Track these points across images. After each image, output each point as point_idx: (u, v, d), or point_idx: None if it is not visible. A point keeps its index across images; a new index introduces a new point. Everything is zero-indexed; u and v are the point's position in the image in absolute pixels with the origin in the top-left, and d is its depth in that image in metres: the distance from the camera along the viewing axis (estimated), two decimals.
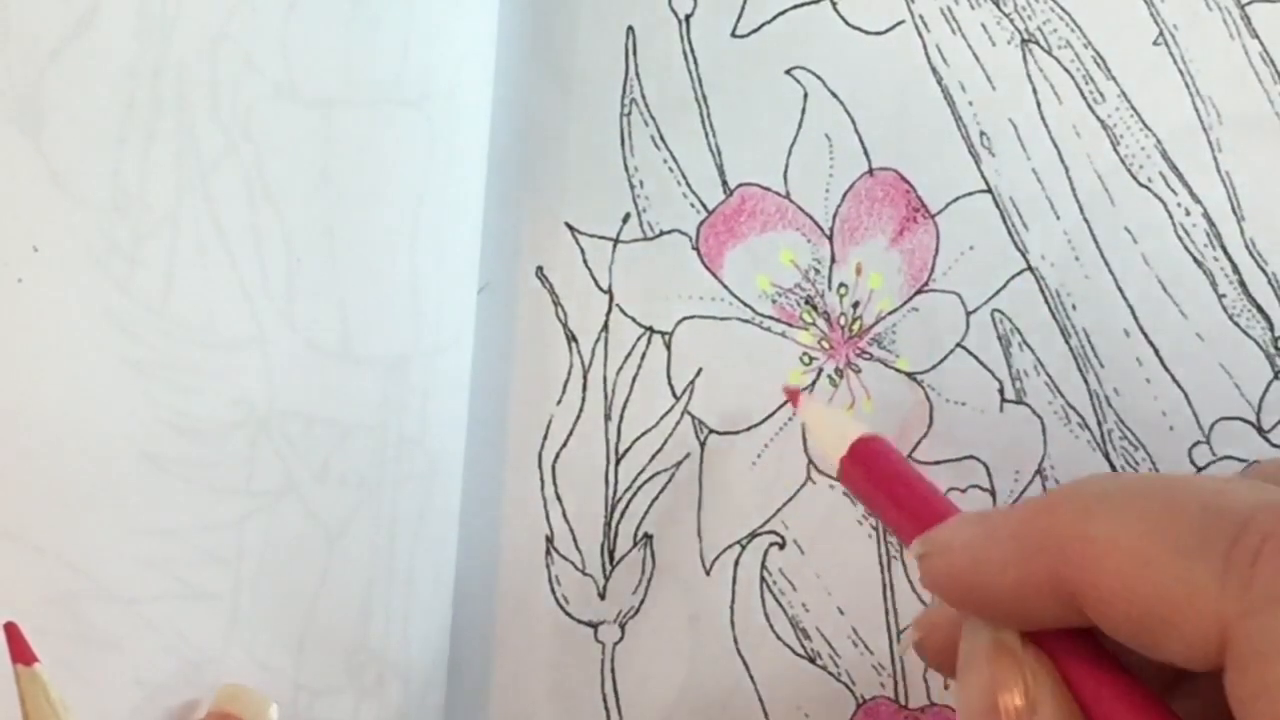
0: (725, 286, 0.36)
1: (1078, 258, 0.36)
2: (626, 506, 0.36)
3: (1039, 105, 0.35)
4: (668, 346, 0.36)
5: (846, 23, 0.35)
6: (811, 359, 0.36)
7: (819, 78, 0.35)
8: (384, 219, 0.33)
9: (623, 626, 0.37)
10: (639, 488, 0.36)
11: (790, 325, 0.36)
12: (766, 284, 0.36)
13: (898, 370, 0.36)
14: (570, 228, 0.36)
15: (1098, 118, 0.35)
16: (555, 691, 0.37)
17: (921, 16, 0.35)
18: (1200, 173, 0.35)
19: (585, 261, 0.36)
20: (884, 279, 0.36)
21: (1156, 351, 0.36)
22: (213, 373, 0.32)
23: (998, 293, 0.36)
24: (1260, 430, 0.35)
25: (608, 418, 0.36)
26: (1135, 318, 0.36)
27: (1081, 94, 0.35)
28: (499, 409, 0.36)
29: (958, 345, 0.36)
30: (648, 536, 0.36)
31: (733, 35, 0.35)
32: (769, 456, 0.36)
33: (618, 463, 0.36)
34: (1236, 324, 0.36)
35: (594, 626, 0.37)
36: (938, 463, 0.36)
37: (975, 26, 0.35)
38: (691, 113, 0.35)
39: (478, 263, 0.35)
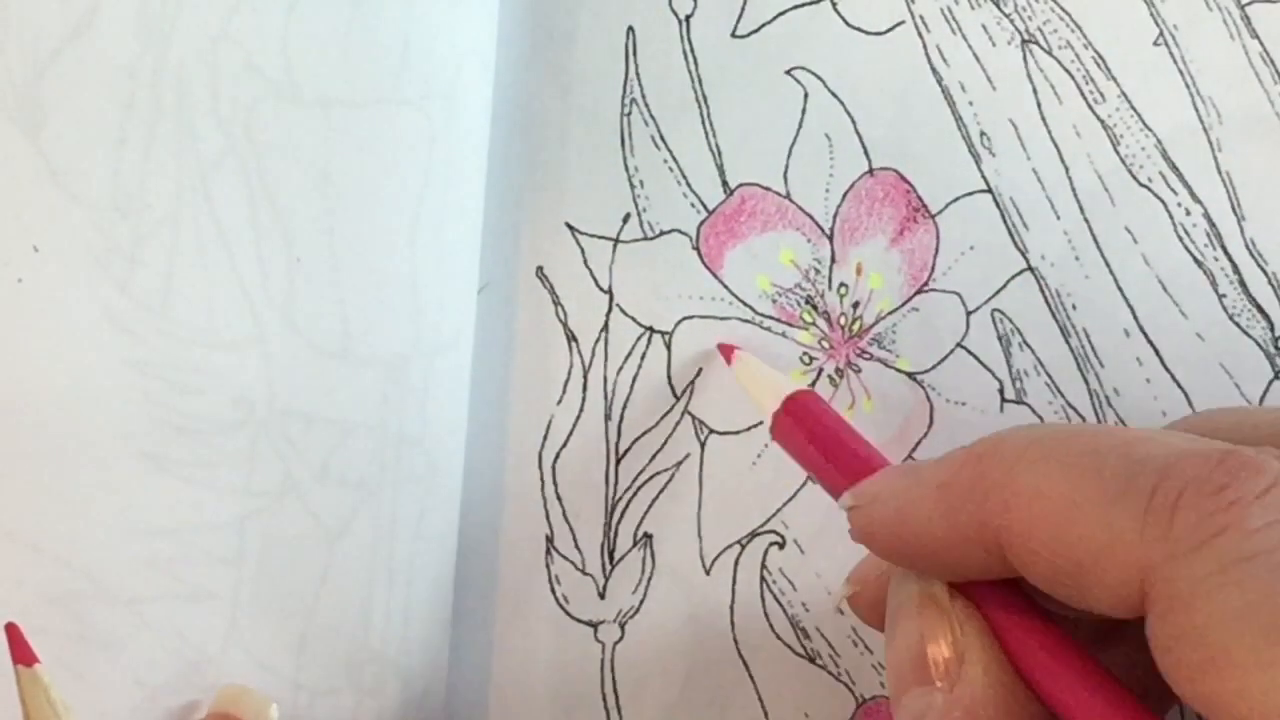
0: (725, 286, 0.36)
1: (1078, 258, 0.36)
2: (626, 506, 0.36)
3: (1039, 105, 0.35)
4: (668, 346, 0.36)
5: (846, 23, 0.35)
6: (811, 359, 0.36)
7: (819, 78, 0.35)
8: (384, 219, 0.33)
9: (623, 626, 0.37)
10: (639, 488, 0.36)
11: (790, 325, 0.36)
12: (766, 284, 0.36)
13: (898, 370, 0.36)
14: (570, 228, 0.36)
15: (1098, 118, 0.35)
16: (555, 691, 0.37)
17: (922, 17, 0.35)
18: (1200, 173, 0.35)
19: (585, 261, 0.36)
20: (884, 279, 0.36)
21: (1156, 351, 0.36)
22: (213, 373, 0.32)
23: (998, 293, 0.36)
24: None
25: (608, 418, 0.36)
26: (1135, 318, 0.36)
27: (1081, 94, 0.35)
28: (499, 409, 0.36)
29: (958, 345, 0.36)
30: (648, 536, 0.36)
31: (733, 35, 0.35)
32: (769, 456, 0.36)
33: (618, 463, 0.36)
34: (1236, 324, 0.36)
35: (594, 626, 0.37)
36: None
37: (975, 27, 0.35)
38: (691, 113, 0.35)
39: (478, 263, 0.35)
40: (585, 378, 0.36)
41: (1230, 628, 0.21)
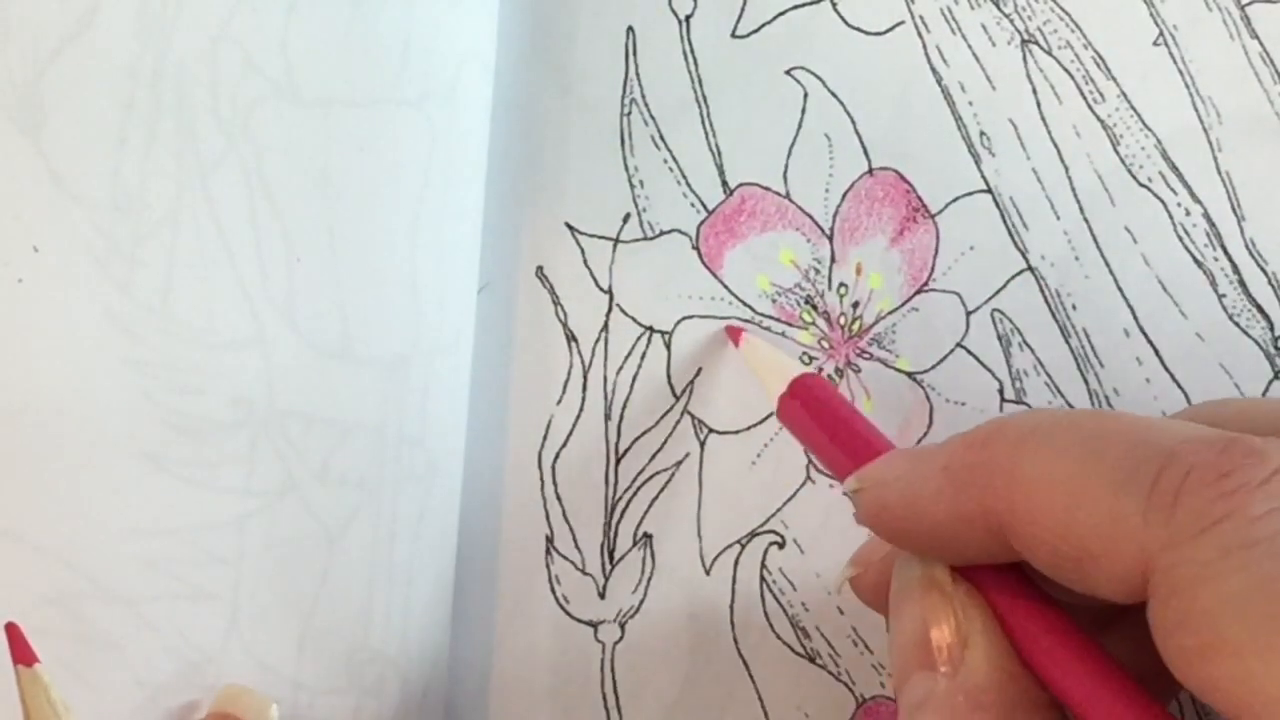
0: (725, 286, 0.36)
1: (1078, 258, 0.36)
2: (626, 506, 0.36)
3: (1039, 105, 0.35)
4: (668, 346, 0.36)
5: (846, 23, 0.35)
6: (811, 359, 0.36)
7: (819, 78, 0.35)
8: (384, 219, 0.33)
9: (623, 626, 0.37)
10: (639, 488, 0.36)
11: (790, 325, 0.36)
12: (766, 284, 0.36)
13: (898, 370, 0.36)
14: (570, 228, 0.36)
15: (1098, 118, 0.35)
16: (555, 691, 0.37)
17: (921, 17, 0.35)
18: (1200, 173, 0.35)
19: (585, 261, 0.36)
20: (884, 279, 0.36)
21: (1156, 351, 0.36)
22: (213, 373, 0.32)
23: (998, 293, 0.36)
24: None
25: (608, 418, 0.36)
26: (1135, 318, 0.36)
27: (1081, 94, 0.35)
28: (499, 409, 0.36)
29: (958, 345, 0.36)
30: (647, 536, 0.36)
31: (733, 35, 0.35)
32: (769, 456, 0.36)
33: (618, 463, 0.36)
34: (1236, 324, 0.36)
35: (594, 626, 0.37)
36: None
37: (975, 27, 0.35)
38: (691, 113, 0.35)
39: (478, 263, 0.35)
40: (585, 378, 0.36)
41: (1231, 613, 0.21)
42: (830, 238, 0.36)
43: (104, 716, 0.32)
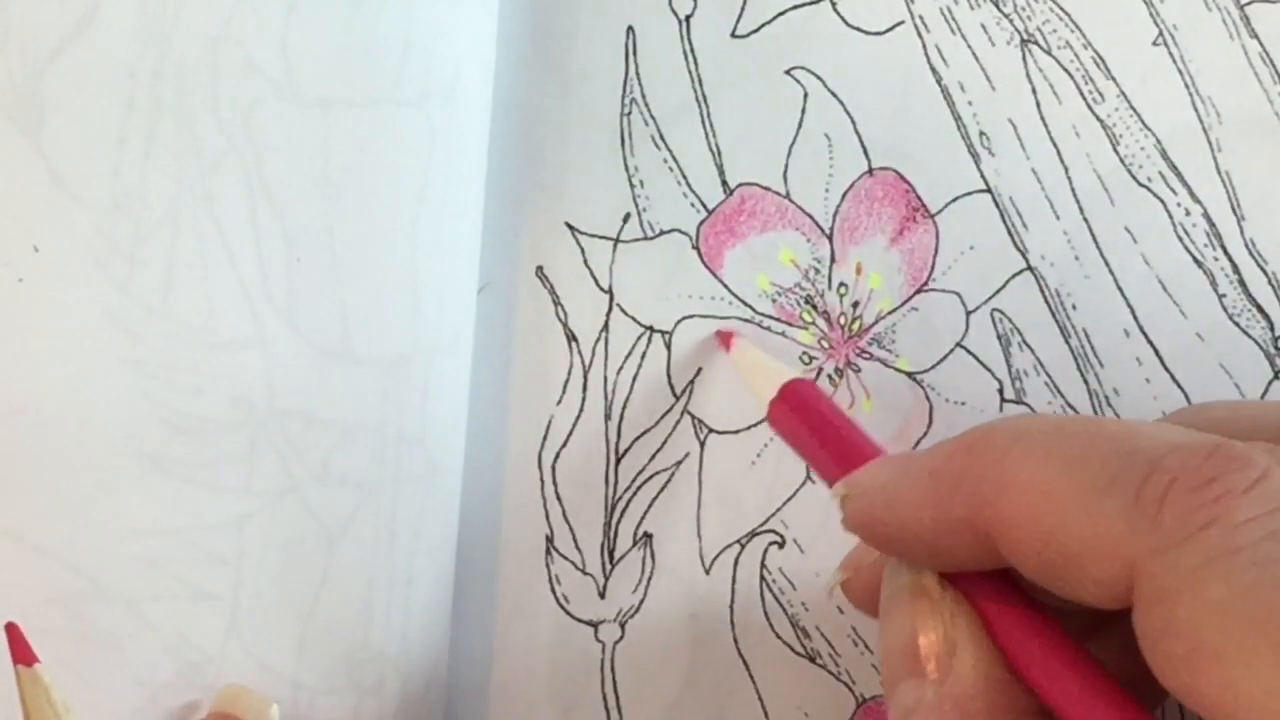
0: (725, 286, 0.36)
1: (1078, 258, 0.36)
2: (626, 506, 0.36)
3: (1039, 105, 0.35)
4: (668, 346, 0.36)
5: (846, 23, 0.35)
6: (811, 358, 0.36)
7: (819, 78, 0.35)
8: (384, 219, 0.33)
9: (623, 626, 0.37)
10: (639, 487, 0.36)
11: (790, 325, 0.36)
12: (766, 283, 0.36)
13: (898, 370, 0.36)
14: (570, 228, 0.36)
15: (1097, 118, 0.35)
16: (555, 691, 0.37)
17: (921, 17, 0.35)
18: (1200, 173, 0.35)
19: (585, 261, 0.36)
20: (884, 279, 0.36)
21: (1156, 351, 0.36)
22: (213, 373, 0.32)
23: (998, 293, 0.36)
24: None
25: (608, 418, 0.36)
26: (1135, 318, 0.36)
27: (1081, 94, 0.35)
28: (499, 409, 0.36)
29: (958, 345, 0.36)
30: (648, 536, 0.36)
31: (733, 35, 0.35)
32: (769, 456, 0.36)
33: (618, 463, 0.36)
34: (1236, 324, 0.36)
35: (594, 626, 0.37)
36: None
37: (975, 27, 0.35)
38: (691, 113, 0.35)
39: (478, 263, 0.35)
40: (585, 378, 0.36)
41: (1215, 620, 0.21)
42: (830, 237, 0.36)
43: (104, 716, 0.32)
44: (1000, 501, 0.24)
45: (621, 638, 0.37)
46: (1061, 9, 0.35)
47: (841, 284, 0.36)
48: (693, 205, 0.36)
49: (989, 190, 0.36)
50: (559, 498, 0.36)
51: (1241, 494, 0.22)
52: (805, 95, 0.35)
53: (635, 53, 0.35)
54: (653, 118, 0.35)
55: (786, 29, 0.35)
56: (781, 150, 0.36)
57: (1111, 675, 0.24)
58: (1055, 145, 0.35)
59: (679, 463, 0.36)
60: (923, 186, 0.36)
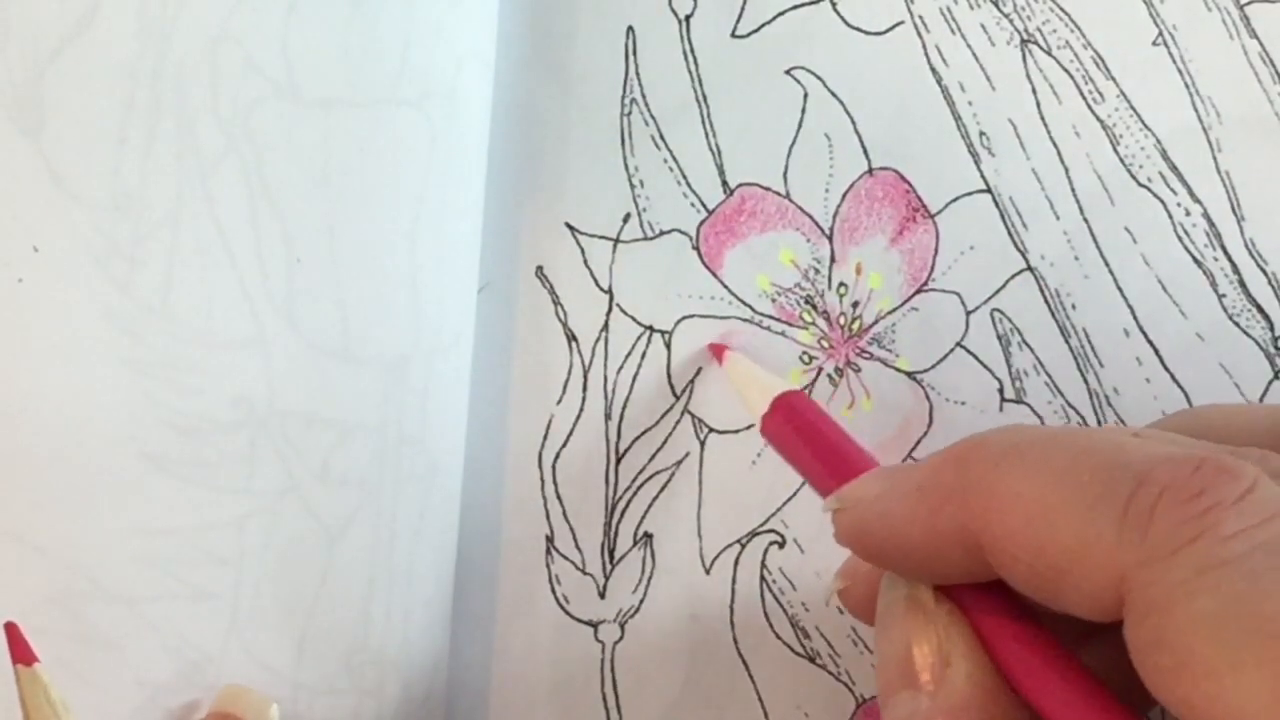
0: (725, 286, 0.36)
1: (1078, 258, 0.36)
2: (626, 506, 0.36)
3: (1039, 105, 0.35)
4: (668, 346, 0.36)
5: (846, 23, 0.35)
6: (811, 358, 0.36)
7: (819, 78, 0.35)
8: (384, 219, 0.33)
9: (623, 626, 0.37)
10: (639, 487, 0.36)
11: (790, 325, 0.36)
12: (766, 283, 0.36)
13: (898, 370, 0.36)
14: (570, 228, 0.36)
15: (1097, 118, 0.35)
16: (555, 691, 0.37)
17: (921, 17, 0.35)
18: (1200, 173, 0.35)
19: (585, 261, 0.36)
20: (884, 279, 0.36)
21: (1156, 351, 0.36)
22: (213, 373, 0.32)
23: (998, 293, 0.36)
24: None
25: (608, 417, 0.36)
26: (1135, 318, 0.36)
27: (1081, 94, 0.35)
28: (499, 409, 0.36)
29: (958, 345, 0.36)
30: (648, 536, 0.36)
31: (733, 35, 0.35)
32: (769, 456, 0.36)
33: (618, 462, 0.36)
34: (1236, 324, 0.36)
35: (594, 626, 0.37)
36: None
37: (975, 27, 0.35)
38: (691, 113, 0.35)
39: (478, 263, 0.35)
40: (585, 378, 0.36)
41: (1204, 633, 0.21)
42: (830, 237, 0.36)
43: (104, 716, 0.32)
44: (989, 514, 0.24)
45: (621, 638, 0.37)
46: (1061, 9, 0.35)
47: (841, 284, 0.36)
48: (693, 205, 0.36)
49: (989, 190, 0.36)
50: (559, 497, 0.36)
51: (1230, 506, 0.22)
52: (805, 95, 0.35)
53: (635, 53, 0.35)
54: (653, 118, 0.35)
55: (786, 29, 0.35)
56: (781, 150, 0.36)
57: (1105, 685, 0.24)
58: (1055, 145, 0.35)
59: (679, 463, 0.36)
60: (923, 186, 0.36)
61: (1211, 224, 0.35)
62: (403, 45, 0.32)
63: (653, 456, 0.36)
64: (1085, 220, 0.36)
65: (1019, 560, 0.24)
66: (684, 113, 0.35)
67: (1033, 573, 0.24)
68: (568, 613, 0.37)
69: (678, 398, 0.36)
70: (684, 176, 0.36)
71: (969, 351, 0.36)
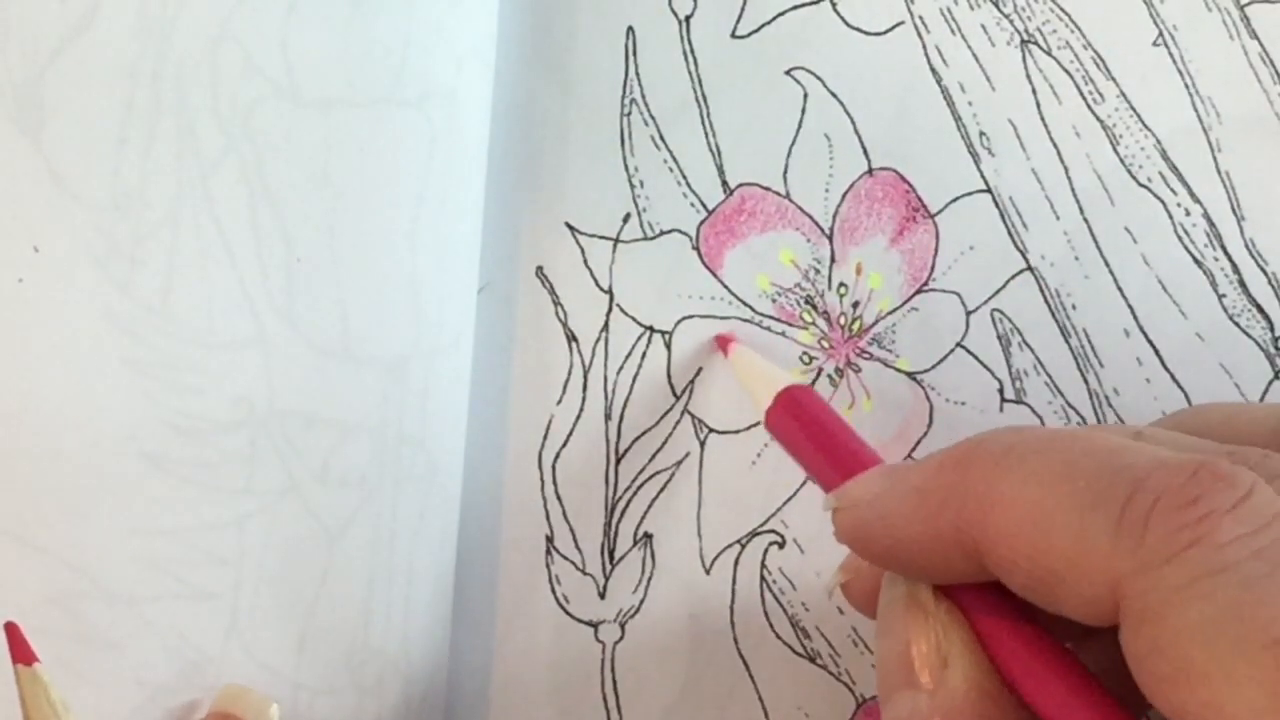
0: (725, 286, 0.36)
1: (1078, 258, 0.36)
2: (626, 506, 0.36)
3: (1038, 105, 0.35)
4: (668, 346, 0.36)
5: (846, 23, 0.35)
6: (811, 358, 0.36)
7: (819, 78, 0.35)
8: (384, 219, 0.33)
9: (623, 626, 0.37)
10: (639, 487, 0.36)
11: (790, 325, 0.36)
12: (766, 284, 0.36)
13: (898, 370, 0.36)
14: (570, 228, 0.36)
15: (1097, 118, 0.35)
16: (555, 691, 0.37)
17: (921, 17, 0.35)
18: (1200, 173, 0.35)
19: (585, 261, 0.36)
20: (884, 279, 0.36)
21: (1156, 351, 0.36)
22: (213, 373, 0.32)
23: (998, 293, 0.36)
24: None
25: (608, 418, 0.36)
26: (1135, 318, 0.36)
27: (1081, 94, 0.35)
28: (499, 409, 0.36)
29: (958, 345, 0.36)
30: (648, 536, 0.36)
31: (733, 36, 0.35)
32: (769, 456, 0.36)
33: (618, 463, 0.36)
34: (1236, 324, 0.36)
35: (594, 626, 0.37)
36: None
37: (975, 27, 0.35)
38: (691, 113, 0.35)
39: (478, 263, 0.35)
40: (585, 378, 0.36)
41: (1199, 640, 0.21)
42: (830, 238, 0.36)
43: (104, 716, 0.32)
44: (987, 517, 0.24)
45: (621, 638, 0.37)
46: (1061, 9, 0.35)
47: (841, 284, 0.36)
48: (693, 205, 0.36)
49: (989, 190, 0.36)
50: (559, 497, 0.36)
51: (1225, 513, 0.22)
52: (805, 95, 0.35)
53: (635, 53, 0.35)
54: (653, 118, 0.35)
55: (786, 29, 0.35)
56: (781, 150, 0.36)
57: (1103, 686, 0.24)
58: (1055, 145, 0.35)
59: (679, 463, 0.36)
60: (923, 186, 0.36)
61: (1211, 224, 0.35)
62: (402, 45, 0.32)
63: (653, 457, 0.36)
64: (1085, 220, 0.36)
65: (1016, 564, 0.24)
66: (684, 113, 0.35)
67: (1029, 577, 0.24)
68: (568, 613, 0.37)
69: (678, 398, 0.36)
70: (684, 176, 0.36)
71: (969, 352, 0.36)
